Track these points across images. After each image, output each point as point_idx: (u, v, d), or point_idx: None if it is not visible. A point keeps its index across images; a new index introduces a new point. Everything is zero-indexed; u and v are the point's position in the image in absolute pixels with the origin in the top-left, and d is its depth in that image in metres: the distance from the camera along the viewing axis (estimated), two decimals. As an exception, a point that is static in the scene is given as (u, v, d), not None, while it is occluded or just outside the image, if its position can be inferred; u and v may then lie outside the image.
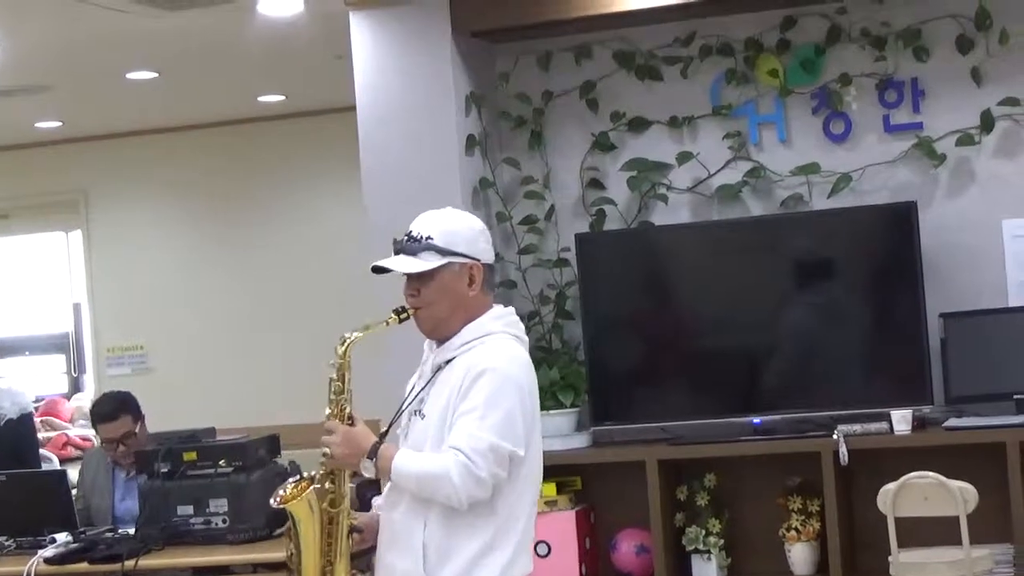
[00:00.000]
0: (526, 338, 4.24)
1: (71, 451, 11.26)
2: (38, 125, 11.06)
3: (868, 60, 7.03)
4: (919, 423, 6.72)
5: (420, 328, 4.19)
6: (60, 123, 11.08)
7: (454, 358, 4.10)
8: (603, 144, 7.36)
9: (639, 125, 7.33)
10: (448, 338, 4.13)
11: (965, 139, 6.87)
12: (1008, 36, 6.82)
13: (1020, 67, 6.86)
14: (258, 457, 6.45)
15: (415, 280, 4.13)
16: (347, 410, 4.11)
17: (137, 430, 6.78)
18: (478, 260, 4.14)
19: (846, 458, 6.57)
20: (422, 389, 4.17)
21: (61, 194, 11.94)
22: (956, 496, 6.11)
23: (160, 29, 8.09)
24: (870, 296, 6.95)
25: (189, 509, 6.33)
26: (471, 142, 7.24)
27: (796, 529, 6.82)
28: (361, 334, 4.17)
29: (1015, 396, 6.65)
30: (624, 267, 7.17)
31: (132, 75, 9.41)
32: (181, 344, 11.46)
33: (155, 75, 9.44)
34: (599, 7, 7.03)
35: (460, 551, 4.02)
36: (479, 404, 3.99)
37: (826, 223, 7.03)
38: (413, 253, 4.11)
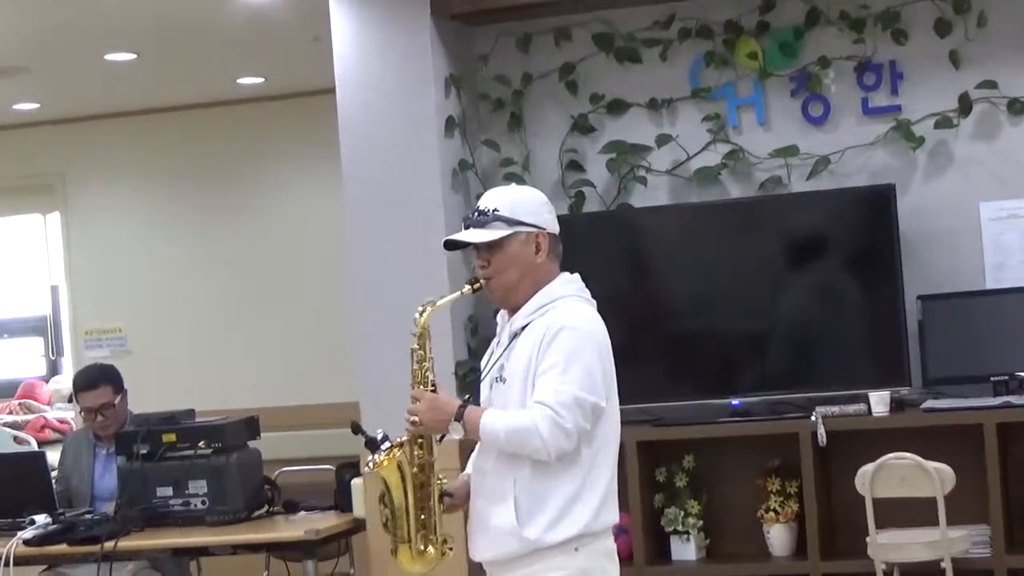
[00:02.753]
0: (594, 301, 4.43)
1: (49, 434, 11.22)
2: (15, 107, 11.01)
3: (847, 43, 7.04)
4: (897, 405, 6.74)
5: (492, 298, 4.43)
6: (38, 105, 11.02)
7: (529, 323, 4.29)
8: (582, 126, 7.36)
9: (618, 107, 7.34)
10: (519, 306, 4.33)
11: (943, 122, 6.89)
12: (986, 19, 6.84)
13: (998, 50, 6.89)
14: (237, 439, 6.46)
15: (485, 251, 4.33)
16: (430, 377, 4.32)
17: (116, 402, 6.78)
18: (544, 229, 4.35)
19: (824, 439, 6.60)
20: (500, 356, 4.36)
21: (38, 176, 11.87)
22: (933, 477, 6.14)
23: (139, 10, 8.06)
24: (849, 278, 6.95)
25: (168, 491, 6.35)
26: (450, 124, 7.24)
27: (775, 510, 6.84)
28: (438, 303, 4.38)
29: (992, 378, 6.68)
30: (603, 249, 7.17)
31: (110, 57, 9.36)
32: (160, 326, 11.43)
33: (133, 57, 9.39)
34: (578, -11, 7.06)
35: (550, 502, 4.21)
36: (560, 360, 4.19)
37: (805, 206, 7.04)
38: (482, 225, 4.32)
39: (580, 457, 4.21)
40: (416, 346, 4.33)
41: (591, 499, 4.22)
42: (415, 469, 4.32)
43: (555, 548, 4.21)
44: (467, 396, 4.40)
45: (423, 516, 4.34)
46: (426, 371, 4.31)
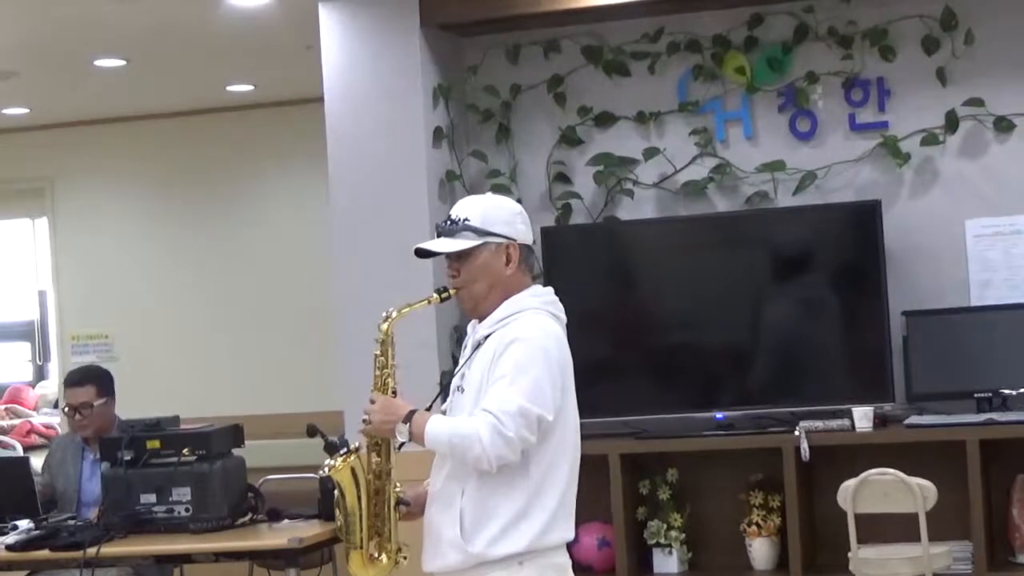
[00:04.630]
0: (563, 317, 4.37)
1: (35, 439, 11.25)
2: (5, 111, 11.01)
3: (835, 59, 7.07)
4: (880, 420, 6.76)
5: (462, 307, 4.43)
6: (27, 110, 11.03)
7: (491, 333, 4.27)
8: (570, 138, 7.38)
9: (606, 120, 7.35)
10: (487, 316, 4.30)
11: (930, 139, 6.92)
12: (973, 37, 6.87)
13: (985, 68, 6.91)
14: (221, 446, 6.45)
15: (455, 260, 4.31)
16: (391, 384, 4.33)
17: (96, 404, 6.78)
18: (515, 240, 4.32)
19: (807, 454, 6.61)
20: (463, 365, 4.35)
21: (27, 181, 11.88)
22: (915, 493, 6.15)
23: (129, 16, 8.07)
24: (834, 293, 6.97)
25: (152, 497, 6.33)
26: (438, 134, 7.25)
27: (757, 524, 6.85)
28: (403, 311, 4.37)
29: (975, 395, 6.71)
30: (589, 261, 7.19)
31: (100, 62, 9.37)
32: (146, 332, 11.43)
33: (123, 63, 9.40)
34: (568, 2, 7.06)
35: (494, 517, 4.19)
36: (509, 370, 4.16)
37: (791, 220, 7.06)
38: (452, 234, 4.30)
39: (528, 474, 4.17)
40: (378, 352, 4.33)
41: (539, 516, 4.18)
42: (370, 475, 4.34)
43: (498, 563, 4.17)
44: (430, 405, 4.37)
45: (377, 523, 4.35)
46: (387, 377, 4.32)
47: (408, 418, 4.22)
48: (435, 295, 4.36)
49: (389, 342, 4.34)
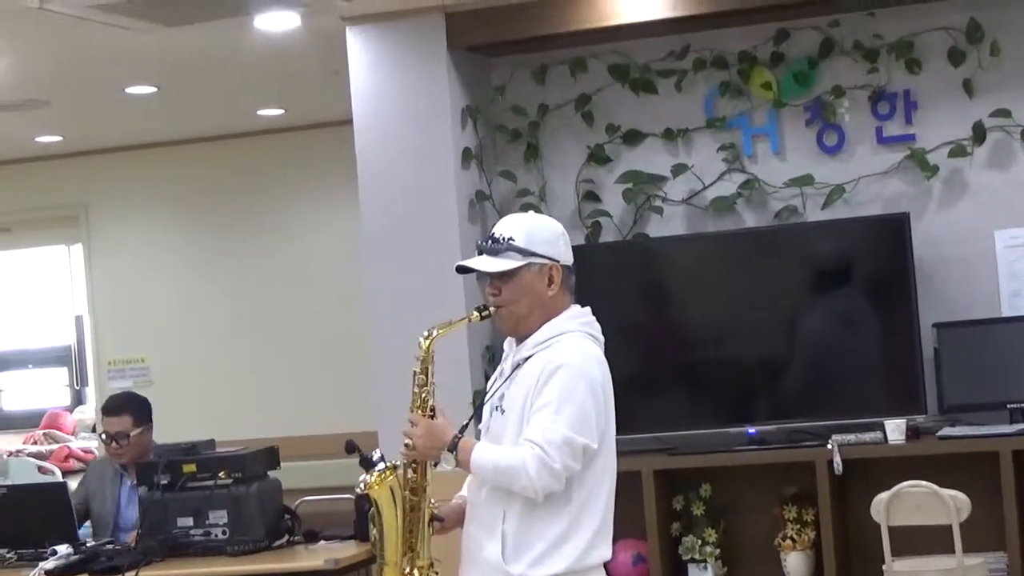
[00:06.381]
0: (602, 338, 4.37)
1: (73, 464, 11.28)
2: (39, 139, 11.10)
3: (861, 72, 7.08)
4: (913, 432, 6.75)
5: (500, 326, 4.40)
6: (60, 137, 11.12)
7: (532, 355, 4.26)
8: (598, 157, 7.41)
9: (634, 138, 7.38)
10: (527, 336, 4.29)
11: (957, 150, 6.92)
12: (999, 48, 6.87)
13: (1011, 79, 6.91)
14: (257, 469, 6.49)
15: (497, 279, 4.29)
16: (429, 402, 4.31)
17: (132, 434, 6.80)
18: (558, 261, 4.31)
19: (840, 467, 6.61)
20: (502, 385, 4.33)
21: (62, 208, 11.97)
22: (949, 505, 6.15)
23: (159, 44, 8.13)
24: (864, 307, 6.97)
25: (189, 521, 6.37)
26: (467, 155, 7.29)
27: (791, 538, 6.85)
28: (443, 330, 4.35)
29: (1008, 405, 6.70)
30: (620, 279, 7.20)
31: (131, 90, 9.45)
32: (182, 356, 11.49)
33: (154, 90, 9.48)
34: (594, 21, 7.09)
35: (537, 539, 4.19)
36: (553, 399, 4.15)
37: (820, 234, 7.06)
38: (495, 253, 4.28)
39: (570, 496, 4.18)
40: (418, 370, 4.31)
41: (580, 538, 4.19)
42: (406, 492, 4.32)
43: None
44: (465, 425, 4.34)
45: (411, 538, 4.34)
46: (426, 396, 4.29)
47: (453, 445, 4.21)
48: (475, 313, 4.34)
49: (429, 360, 4.32)
